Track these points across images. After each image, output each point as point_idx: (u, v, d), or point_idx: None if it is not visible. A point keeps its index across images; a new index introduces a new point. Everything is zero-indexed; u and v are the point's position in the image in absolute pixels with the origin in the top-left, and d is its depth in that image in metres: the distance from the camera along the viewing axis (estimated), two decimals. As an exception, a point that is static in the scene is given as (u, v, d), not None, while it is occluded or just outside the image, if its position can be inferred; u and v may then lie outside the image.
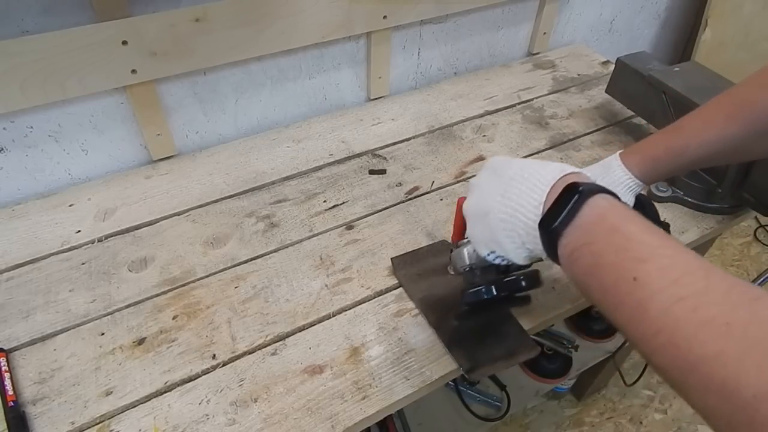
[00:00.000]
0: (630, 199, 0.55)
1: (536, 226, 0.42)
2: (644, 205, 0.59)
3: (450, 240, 0.75)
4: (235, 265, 0.76)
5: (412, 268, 0.75)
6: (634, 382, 1.36)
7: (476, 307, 0.56)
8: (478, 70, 1.24)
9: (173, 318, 0.69)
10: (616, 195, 0.40)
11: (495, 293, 0.53)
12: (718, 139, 0.52)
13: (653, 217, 0.58)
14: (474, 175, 0.91)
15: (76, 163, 0.89)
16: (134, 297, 0.71)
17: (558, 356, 1.25)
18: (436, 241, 0.79)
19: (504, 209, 0.45)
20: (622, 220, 0.38)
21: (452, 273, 0.72)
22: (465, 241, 0.58)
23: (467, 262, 0.57)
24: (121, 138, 0.90)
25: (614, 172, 0.54)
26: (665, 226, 0.62)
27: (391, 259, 0.76)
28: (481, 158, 0.97)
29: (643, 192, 0.58)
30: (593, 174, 0.55)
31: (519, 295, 0.57)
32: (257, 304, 0.71)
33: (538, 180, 0.43)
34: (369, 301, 0.72)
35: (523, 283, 0.53)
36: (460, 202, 0.66)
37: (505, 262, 0.53)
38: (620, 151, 0.57)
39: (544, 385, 1.26)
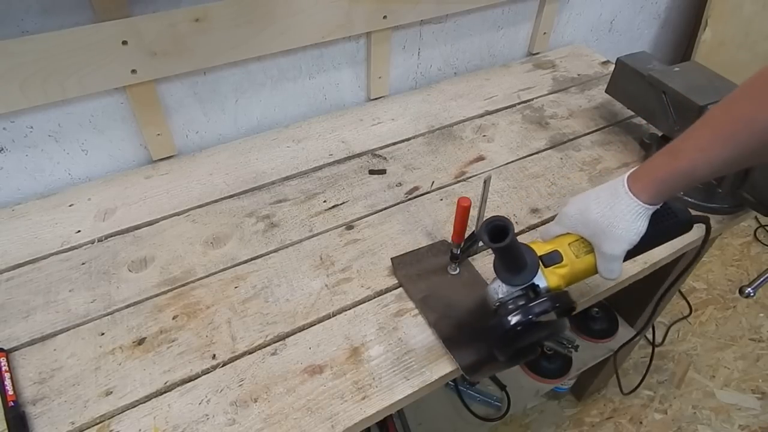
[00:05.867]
0: (642, 224, 0.56)
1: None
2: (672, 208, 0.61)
3: (450, 240, 0.75)
4: (235, 265, 0.76)
5: (412, 268, 0.75)
6: (633, 390, 1.36)
7: (521, 333, 0.56)
8: (478, 70, 1.24)
9: (173, 318, 0.69)
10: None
11: (536, 310, 0.55)
12: (724, 159, 0.52)
13: (682, 215, 0.61)
14: (474, 175, 0.92)
15: (76, 163, 0.89)
16: (134, 297, 0.71)
17: (558, 356, 1.25)
18: (436, 241, 0.79)
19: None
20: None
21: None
22: (493, 278, 0.59)
23: (498, 295, 0.58)
24: (121, 138, 0.90)
25: (622, 200, 0.56)
26: (704, 219, 0.63)
27: (391, 259, 0.76)
28: (481, 158, 0.97)
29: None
30: (602, 200, 0.57)
31: (552, 321, 0.58)
32: (257, 304, 0.71)
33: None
34: (369, 301, 0.72)
35: (556, 303, 0.55)
36: (461, 202, 0.66)
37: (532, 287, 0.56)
38: (627, 174, 0.57)
39: (544, 385, 1.25)
